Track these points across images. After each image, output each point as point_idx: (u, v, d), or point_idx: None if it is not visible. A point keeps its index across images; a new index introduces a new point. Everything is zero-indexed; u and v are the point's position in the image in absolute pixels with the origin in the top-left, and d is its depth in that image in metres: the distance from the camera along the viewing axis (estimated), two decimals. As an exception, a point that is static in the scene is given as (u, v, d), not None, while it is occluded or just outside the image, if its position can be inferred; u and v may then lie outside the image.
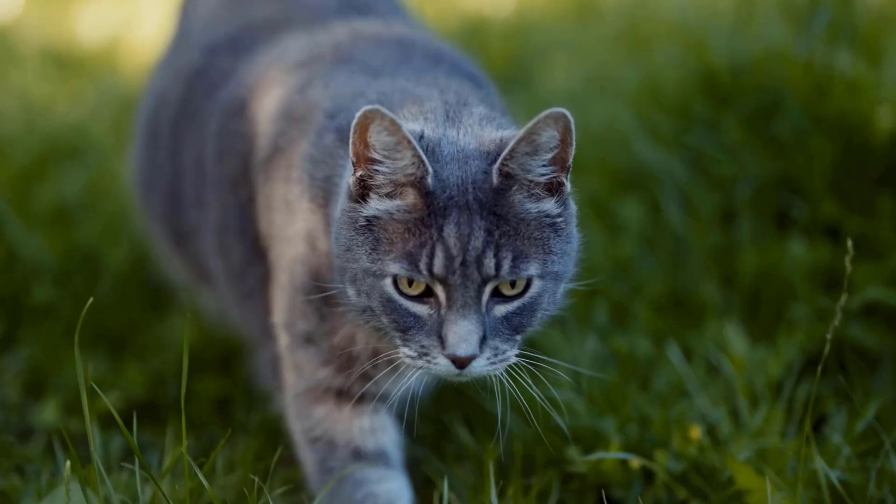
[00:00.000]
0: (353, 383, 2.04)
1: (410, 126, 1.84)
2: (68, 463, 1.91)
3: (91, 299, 1.99)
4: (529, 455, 2.23)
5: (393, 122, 1.76)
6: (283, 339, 2.11)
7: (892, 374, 2.50)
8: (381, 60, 2.19)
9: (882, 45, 3.02)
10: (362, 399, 2.06)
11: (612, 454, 2.17)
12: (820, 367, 2.03)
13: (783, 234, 2.77)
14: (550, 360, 1.94)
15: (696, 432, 2.19)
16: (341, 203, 1.87)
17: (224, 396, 2.56)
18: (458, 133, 1.86)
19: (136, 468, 1.98)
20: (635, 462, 2.17)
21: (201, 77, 2.42)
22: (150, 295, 2.91)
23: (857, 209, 2.74)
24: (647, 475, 2.21)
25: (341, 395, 2.08)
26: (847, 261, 1.98)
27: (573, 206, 1.89)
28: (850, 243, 1.98)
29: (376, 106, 1.76)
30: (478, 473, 2.21)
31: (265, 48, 2.35)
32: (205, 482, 1.91)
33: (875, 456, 2.17)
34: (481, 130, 1.87)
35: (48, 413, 2.45)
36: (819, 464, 2.07)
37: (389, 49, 2.25)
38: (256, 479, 2.01)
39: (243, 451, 2.31)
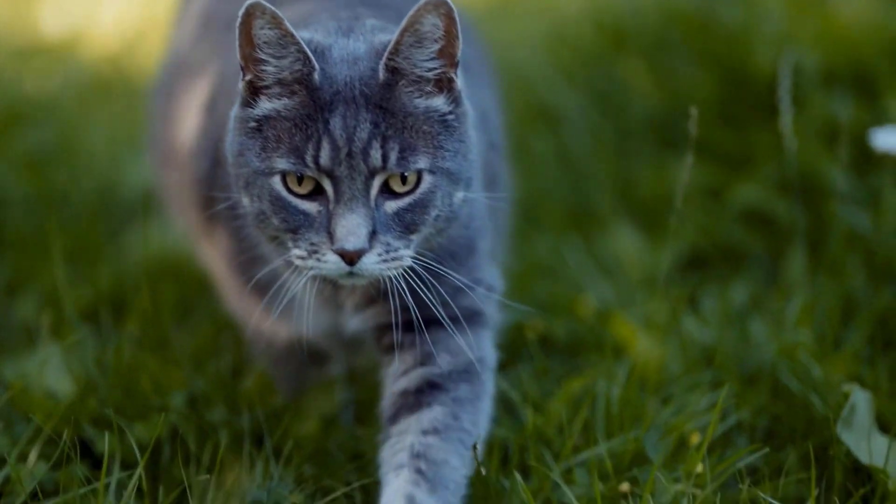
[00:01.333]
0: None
1: (301, 33, 1.85)
2: (47, 322, 2.24)
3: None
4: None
5: (275, 16, 1.77)
6: None
7: (761, 268, 2.89)
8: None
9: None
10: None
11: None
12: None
13: (675, 155, 3.18)
14: (446, 271, 1.90)
15: (589, 301, 2.58)
16: (234, 110, 1.88)
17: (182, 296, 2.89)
18: (350, 40, 1.87)
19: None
20: (539, 326, 2.54)
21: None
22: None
23: (738, 133, 3.16)
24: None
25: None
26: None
27: (468, 107, 1.90)
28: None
29: (257, 0, 1.77)
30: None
31: None
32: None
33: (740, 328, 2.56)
34: (373, 36, 1.88)
35: (26, 307, 2.77)
36: (687, 323, 2.46)
37: None
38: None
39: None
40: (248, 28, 1.78)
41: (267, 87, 1.83)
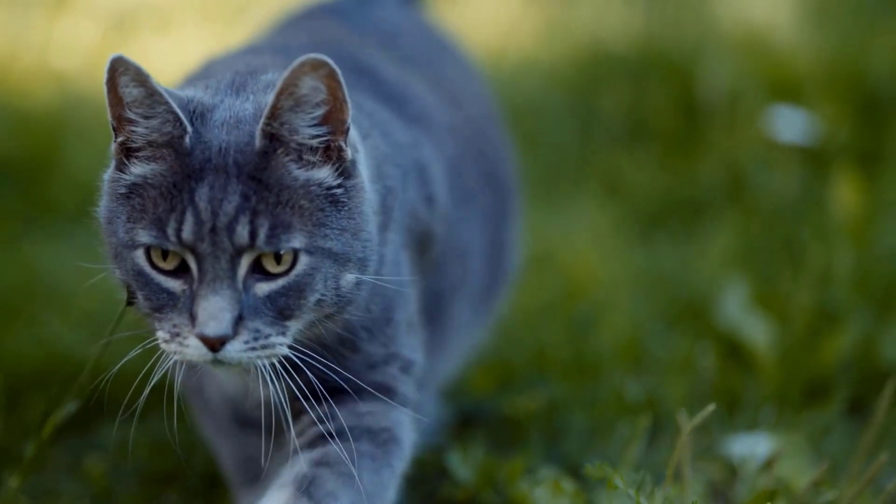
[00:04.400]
0: None
1: (181, 91, 1.74)
2: None
3: None
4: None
5: (139, 72, 1.64)
6: None
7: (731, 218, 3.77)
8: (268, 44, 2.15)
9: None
10: None
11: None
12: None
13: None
14: (330, 364, 1.73)
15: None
16: (107, 173, 1.74)
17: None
18: (238, 100, 1.72)
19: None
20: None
21: None
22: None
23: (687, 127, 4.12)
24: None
25: None
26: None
27: (363, 179, 1.73)
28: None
29: (121, 54, 1.64)
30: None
31: None
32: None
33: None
34: (264, 96, 1.72)
35: None
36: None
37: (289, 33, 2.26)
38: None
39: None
40: (114, 85, 1.66)
41: (138, 150, 1.69)
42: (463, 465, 2.22)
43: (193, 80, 1.90)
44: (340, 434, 1.79)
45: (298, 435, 1.82)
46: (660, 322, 3.02)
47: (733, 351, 2.81)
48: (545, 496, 1.99)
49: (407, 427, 1.90)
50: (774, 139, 3.70)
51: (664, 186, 3.89)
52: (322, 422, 1.80)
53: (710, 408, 1.93)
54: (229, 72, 1.80)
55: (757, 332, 2.75)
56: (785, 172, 3.68)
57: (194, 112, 1.69)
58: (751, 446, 2.22)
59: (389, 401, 1.86)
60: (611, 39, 4.80)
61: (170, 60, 4.65)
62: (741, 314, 2.84)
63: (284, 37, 2.31)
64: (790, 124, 3.68)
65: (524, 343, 2.93)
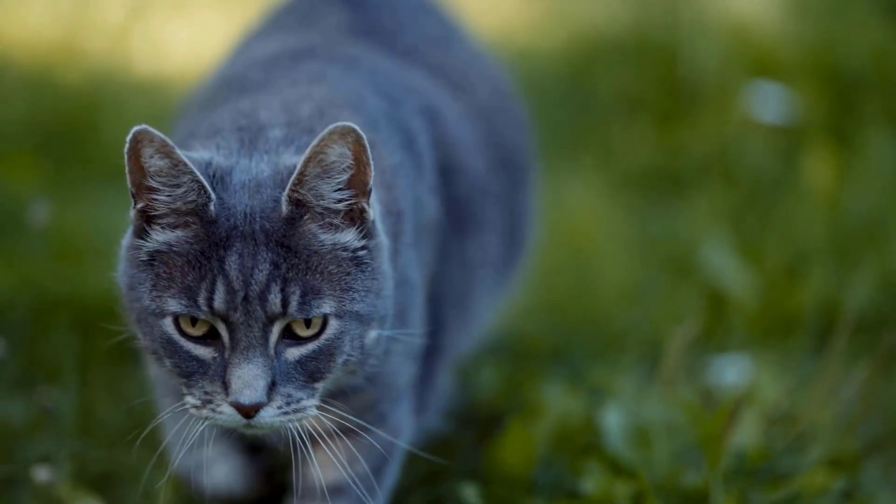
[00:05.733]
0: None
1: (199, 154, 1.73)
2: None
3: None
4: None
5: (164, 144, 1.63)
6: None
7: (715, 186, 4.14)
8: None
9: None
10: None
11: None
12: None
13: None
14: (358, 420, 1.78)
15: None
16: (126, 238, 1.73)
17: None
18: (252, 161, 1.73)
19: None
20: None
21: None
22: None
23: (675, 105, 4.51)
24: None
25: None
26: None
27: (382, 239, 1.75)
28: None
29: (145, 126, 1.63)
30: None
31: None
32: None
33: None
34: (278, 156, 1.74)
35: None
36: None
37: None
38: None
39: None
40: (136, 155, 1.64)
41: (160, 217, 1.68)
42: (491, 376, 2.57)
43: (181, 126, 1.97)
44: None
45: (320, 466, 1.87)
46: (652, 272, 3.40)
47: (715, 296, 3.19)
48: (558, 397, 2.36)
49: (382, 489, 1.96)
50: (755, 116, 4.09)
51: (653, 158, 4.27)
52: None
53: (694, 325, 2.29)
54: (234, 129, 1.81)
55: (736, 277, 3.11)
56: (764, 146, 4.06)
57: (214, 176, 1.69)
58: (728, 365, 2.59)
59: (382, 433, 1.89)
60: (604, 27, 5.20)
61: (185, 41, 5.03)
62: (722, 262, 3.22)
63: (272, 42, 2.24)
64: (770, 103, 4.07)
65: (538, 293, 3.29)
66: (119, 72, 4.92)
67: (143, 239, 1.69)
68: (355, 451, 1.90)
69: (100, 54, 5.04)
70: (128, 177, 1.66)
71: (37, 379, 2.61)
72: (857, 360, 2.68)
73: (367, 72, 2.10)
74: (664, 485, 2.10)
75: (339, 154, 1.65)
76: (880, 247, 3.41)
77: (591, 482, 2.10)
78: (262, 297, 1.63)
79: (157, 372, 1.90)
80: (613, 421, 2.19)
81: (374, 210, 1.73)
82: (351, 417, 1.77)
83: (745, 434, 2.27)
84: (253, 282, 1.63)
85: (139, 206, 1.69)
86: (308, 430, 1.71)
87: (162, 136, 1.63)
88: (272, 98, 1.91)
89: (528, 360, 2.90)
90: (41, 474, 2.12)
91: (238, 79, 2.06)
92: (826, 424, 2.39)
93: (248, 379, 1.63)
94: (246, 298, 1.63)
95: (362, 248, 1.70)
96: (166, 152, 1.64)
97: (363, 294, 1.69)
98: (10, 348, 2.58)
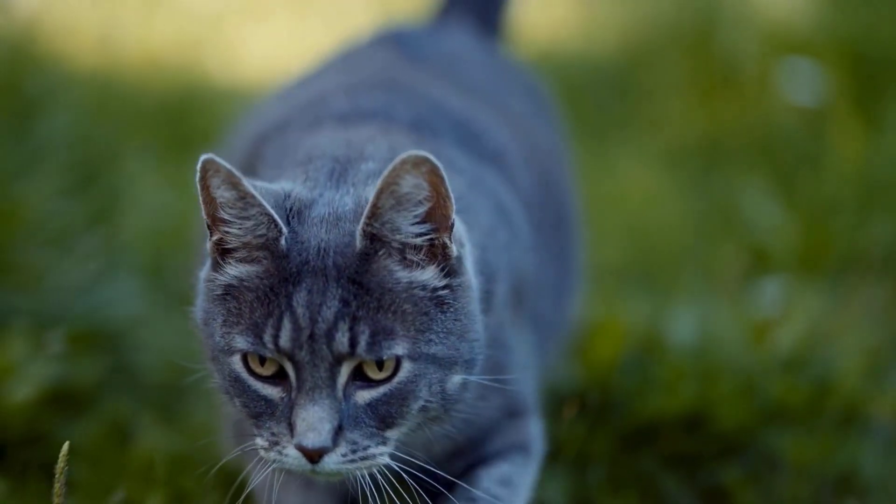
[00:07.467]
0: None
1: (279, 186, 1.67)
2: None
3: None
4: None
5: (231, 175, 1.57)
6: None
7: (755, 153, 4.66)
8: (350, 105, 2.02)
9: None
10: None
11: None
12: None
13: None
14: (436, 469, 1.71)
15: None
16: (203, 271, 1.69)
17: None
18: (338, 193, 1.66)
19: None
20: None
21: None
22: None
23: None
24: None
25: None
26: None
27: (469, 278, 1.66)
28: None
29: (212, 155, 1.57)
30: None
31: None
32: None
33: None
34: (364, 189, 1.66)
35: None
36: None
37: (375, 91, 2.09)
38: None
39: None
40: (206, 185, 1.60)
41: (233, 251, 1.63)
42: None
43: (279, 161, 1.86)
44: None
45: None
46: (701, 234, 3.90)
47: (756, 241, 3.67)
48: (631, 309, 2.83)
49: (538, 439, 1.95)
50: (788, 96, 4.58)
51: (697, 133, 4.77)
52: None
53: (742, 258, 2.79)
54: (328, 159, 1.74)
55: (774, 221, 3.60)
56: (797, 123, 4.56)
57: (291, 210, 1.63)
58: (770, 288, 3.07)
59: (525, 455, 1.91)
60: (651, 21, 5.72)
61: (263, 50, 5.14)
62: (762, 208, 3.70)
63: (347, 79, 2.21)
64: (802, 83, 4.56)
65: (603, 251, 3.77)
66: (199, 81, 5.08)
67: (217, 272, 1.65)
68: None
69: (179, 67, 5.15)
70: (202, 208, 1.62)
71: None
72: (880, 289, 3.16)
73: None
74: (724, 367, 2.57)
75: (413, 185, 1.58)
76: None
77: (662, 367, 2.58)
78: (329, 336, 1.57)
79: (231, 411, 1.78)
80: (682, 319, 2.67)
81: (464, 248, 1.66)
82: (432, 468, 1.72)
83: (787, 336, 2.74)
84: (320, 319, 1.57)
85: (214, 238, 1.65)
86: (378, 475, 1.64)
87: (228, 166, 1.58)
88: (380, 137, 1.85)
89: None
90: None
91: (347, 112, 1.99)
92: (854, 332, 2.87)
93: (313, 421, 1.58)
94: (312, 336, 1.57)
95: (444, 287, 1.63)
96: (233, 183, 1.59)
97: (443, 336, 1.62)
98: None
